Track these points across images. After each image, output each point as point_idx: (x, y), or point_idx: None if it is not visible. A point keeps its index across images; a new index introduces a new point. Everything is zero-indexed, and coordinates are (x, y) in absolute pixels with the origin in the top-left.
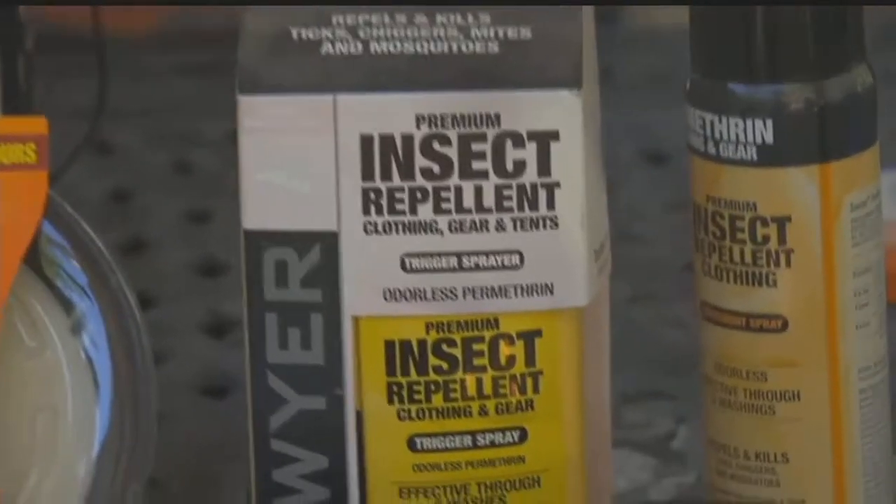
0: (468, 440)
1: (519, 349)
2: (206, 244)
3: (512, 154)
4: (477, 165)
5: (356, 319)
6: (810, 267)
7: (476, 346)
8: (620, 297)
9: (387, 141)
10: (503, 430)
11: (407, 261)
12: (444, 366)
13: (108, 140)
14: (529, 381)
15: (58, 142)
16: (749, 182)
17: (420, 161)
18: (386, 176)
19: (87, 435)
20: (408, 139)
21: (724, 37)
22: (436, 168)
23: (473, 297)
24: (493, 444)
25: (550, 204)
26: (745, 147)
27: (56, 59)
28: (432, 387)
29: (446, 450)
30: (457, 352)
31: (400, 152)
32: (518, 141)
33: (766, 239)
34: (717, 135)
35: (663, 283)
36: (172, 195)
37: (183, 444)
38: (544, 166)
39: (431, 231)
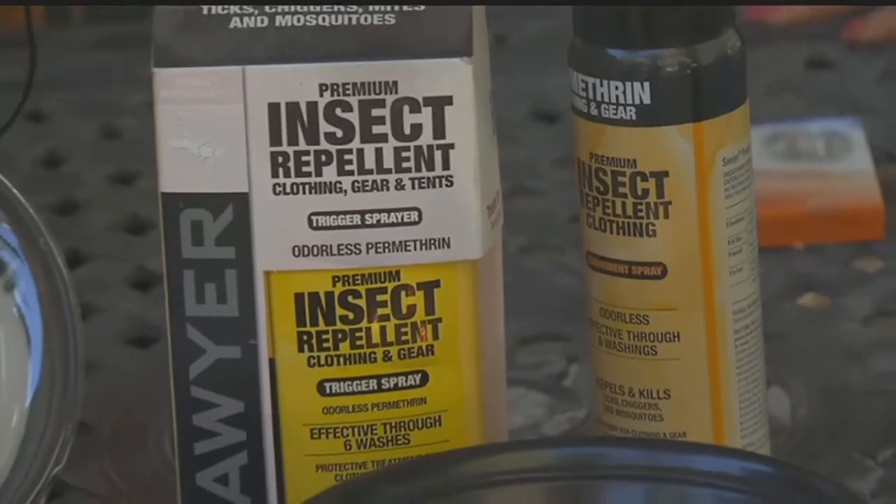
0: (374, 384)
1: (419, 299)
2: (131, 205)
3: (409, 118)
4: (377, 129)
5: (267, 274)
6: (687, 218)
7: (379, 297)
8: (515, 247)
9: (293, 108)
10: (406, 374)
11: (314, 219)
12: (350, 315)
13: (39, 110)
14: (429, 328)
15: None
16: (629, 140)
17: (324, 126)
18: (293, 140)
19: (19, 386)
20: (312, 106)
21: (603, 4)
22: (339, 132)
23: (376, 251)
24: (396, 387)
25: (446, 164)
26: (624, 108)
27: None
28: (339, 335)
29: (353, 393)
30: (361, 302)
31: (305, 118)
32: (415, 106)
33: (645, 193)
34: (598, 97)
35: (554, 233)
36: (99, 160)
37: (111, 392)
38: (439, 129)
39: (336, 191)
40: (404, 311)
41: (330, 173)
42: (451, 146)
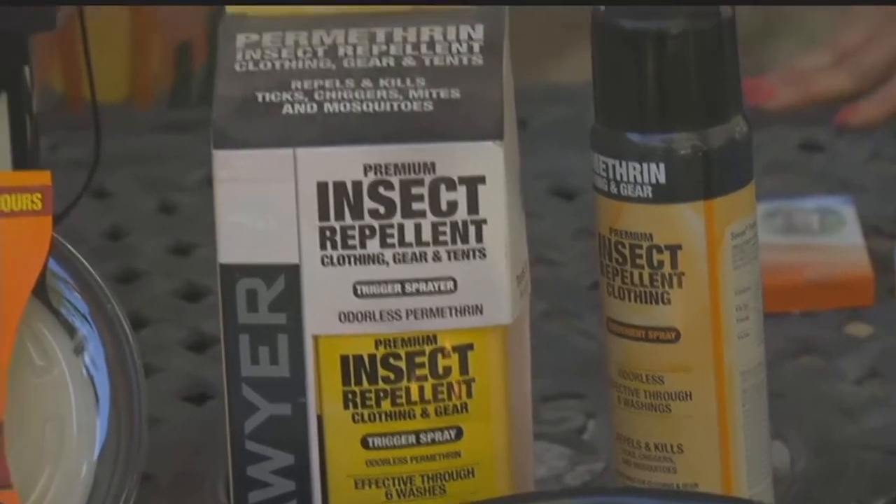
0: (412, 438)
1: (454, 361)
2: (188, 273)
3: (445, 196)
4: (416, 206)
5: (316, 338)
6: (699, 287)
7: (418, 359)
8: (538, 312)
9: (339, 187)
10: (442, 430)
11: (358, 287)
12: (391, 376)
13: (103, 186)
14: (464, 388)
15: (63, 189)
16: (646, 216)
17: (368, 203)
18: (339, 216)
19: (89, 441)
20: (357, 185)
21: (622, 93)
22: (381, 209)
23: (415, 317)
24: (433, 442)
25: (479, 237)
26: (641, 187)
27: (61, 120)
28: (381, 394)
29: (394, 447)
30: (401, 364)
31: (351, 196)
32: (450, 185)
33: (660, 264)
34: (617, 176)
35: (573, 300)
36: (159, 232)
37: (171, 445)
38: (473, 206)
39: (378, 262)
40: (441, 371)
41: (373, 246)
42: (484, 221)
